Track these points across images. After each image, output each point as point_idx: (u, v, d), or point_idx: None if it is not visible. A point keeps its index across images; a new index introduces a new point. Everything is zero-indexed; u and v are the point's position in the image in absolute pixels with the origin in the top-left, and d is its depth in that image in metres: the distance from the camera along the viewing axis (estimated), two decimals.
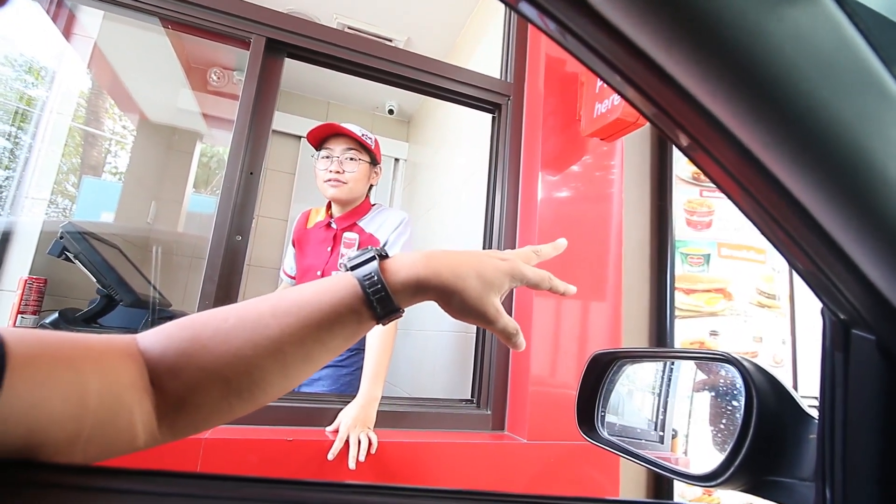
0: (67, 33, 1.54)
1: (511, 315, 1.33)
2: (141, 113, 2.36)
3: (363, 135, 1.38)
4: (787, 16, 0.17)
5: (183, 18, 1.13)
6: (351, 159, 1.36)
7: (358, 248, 1.35)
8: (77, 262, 1.29)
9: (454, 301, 0.41)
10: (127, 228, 2.10)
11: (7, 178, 1.53)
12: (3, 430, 0.24)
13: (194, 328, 0.35)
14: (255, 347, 0.35)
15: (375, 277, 0.38)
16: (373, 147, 1.40)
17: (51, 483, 0.25)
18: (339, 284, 0.39)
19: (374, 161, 1.43)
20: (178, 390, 0.34)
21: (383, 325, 0.40)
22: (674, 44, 0.17)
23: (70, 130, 1.64)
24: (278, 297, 0.38)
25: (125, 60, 2.03)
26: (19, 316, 1.25)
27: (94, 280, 1.32)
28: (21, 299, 1.25)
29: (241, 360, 0.35)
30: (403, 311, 0.41)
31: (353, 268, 0.40)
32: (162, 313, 1.45)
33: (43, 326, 1.26)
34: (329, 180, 1.35)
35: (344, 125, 1.37)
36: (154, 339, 0.35)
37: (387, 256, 0.42)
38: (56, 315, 1.27)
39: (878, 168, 0.19)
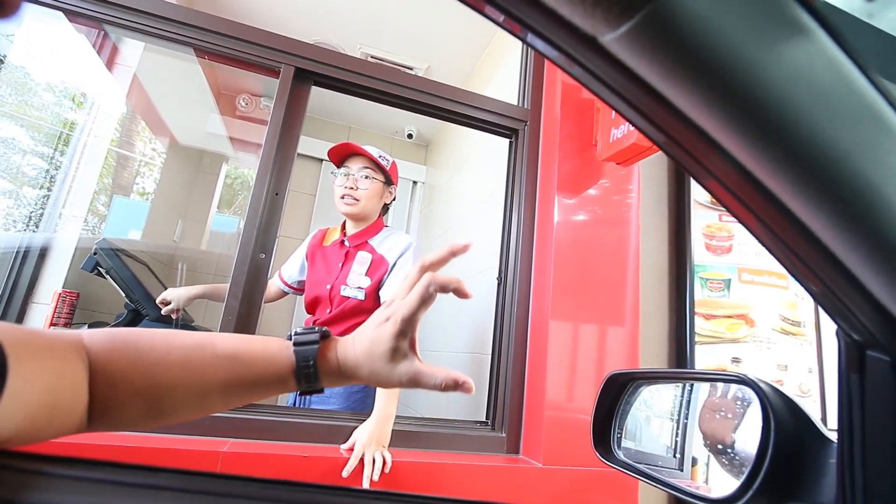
0: (110, 63, 1.64)
1: (527, 339, 1.32)
2: (172, 136, 2.47)
3: (380, 156, 1.46)
4: (785, 55, 0.18)
5: (218, 49, 1.20)
6: (366, 177, 1.43)
7: (370, 268, 1.38)
8: (108, 277, 1.34)
9: (376, 383, 0.45)
10: (155, 246, 2.17)
11: (45, 197, 1.61)
12: (3, 425, 0.27)
13: (139, 350, 0.40)
14: (188, 386, 0.41)
15: (311, 362, 0.44)
16: (388, 168, 1.47)
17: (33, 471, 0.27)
18: (280, 356, 0.44)
19: (389, 181, 1.49)
20: (109, 400, 0.38)
21: (304, 395, 0.46)
22: (678, 79, 0.19)
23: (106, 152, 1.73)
24: (221, 346, 0.43)
25: (160, 87, 2.15)
26: (52, 328, 1.29)
27: (123, 294, 1.37)
28: (54, 312, 1.31)
29: (171, 392, 0.40)
30: (323, 389, 0.46)
31: (297, 343, 0.45)
32: (185, 328, 1.49)
33: None
34: (344, 196, 1.42)
35: (363, 147, 1.43)
36: (100, 347, 0.38)
37: (328, 337, 0.46)
38: (86, 328, 1.31)
39: (878, 194, 0.20)
